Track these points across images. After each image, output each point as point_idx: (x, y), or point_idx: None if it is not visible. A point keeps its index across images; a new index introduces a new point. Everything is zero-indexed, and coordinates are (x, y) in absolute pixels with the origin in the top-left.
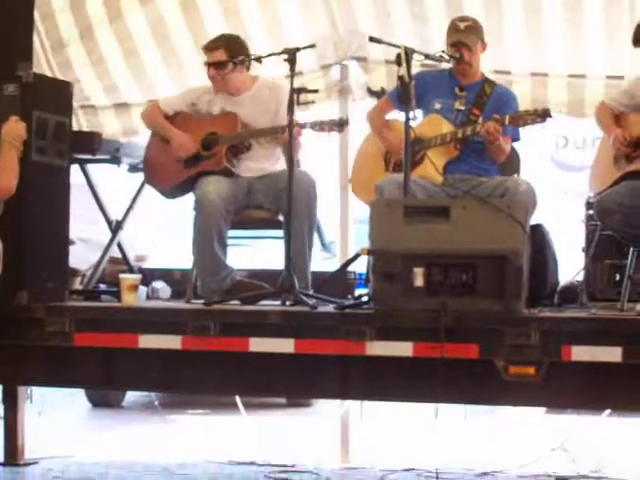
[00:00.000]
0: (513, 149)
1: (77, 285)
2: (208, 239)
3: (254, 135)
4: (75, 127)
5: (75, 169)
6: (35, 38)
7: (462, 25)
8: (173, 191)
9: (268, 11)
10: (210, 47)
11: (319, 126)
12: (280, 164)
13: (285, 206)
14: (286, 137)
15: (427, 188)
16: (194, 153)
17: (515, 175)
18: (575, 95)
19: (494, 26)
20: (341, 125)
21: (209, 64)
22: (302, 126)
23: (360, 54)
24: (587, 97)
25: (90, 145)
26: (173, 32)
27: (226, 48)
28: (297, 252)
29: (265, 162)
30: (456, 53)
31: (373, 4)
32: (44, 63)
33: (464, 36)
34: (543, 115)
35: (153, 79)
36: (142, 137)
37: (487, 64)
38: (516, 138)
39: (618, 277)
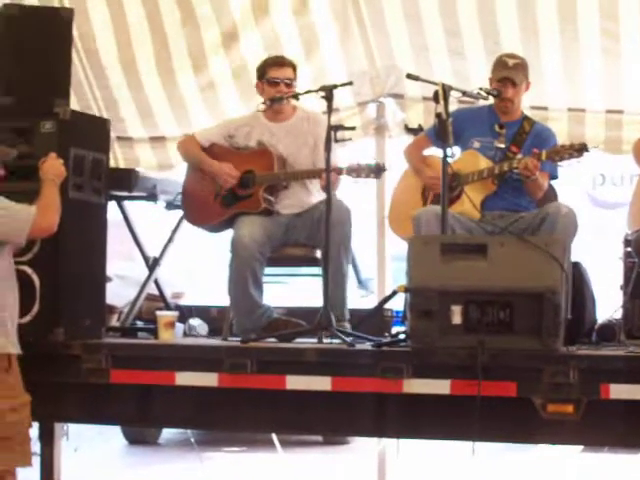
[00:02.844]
0: (550, 186)
1: (114, 322)
2: (243, 282)
3: (291, 177)
4: (111, 159)
5: (112, 206)
6: (79, 69)
7: (511, 62)
8: (212, 228)
9: (308, 44)
10: (283, 62)
11: (356, 172)
12: (316, 197)
13: (322, 237)
14: (324, 177)
15: (464, 223)
16: (231, 191)
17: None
18: (613, 131)
19: (531, 61)
20: (378, 171)
21: (281, 80)
22: (339, 172)
23: (397, 91)
24: (625, 133)
25: (127, 182)
26: (213, 65)
27: (293, 68)
28: (335, 282)
29: (303, 197)
30: (500, 89)
31: (410, 39)
32: (88, 91)
33: (512, 73)
34: (580, 149)
35: (190, 113)
36: (178, 171)
37: (524, 100)
38: (554, 176)
39: None
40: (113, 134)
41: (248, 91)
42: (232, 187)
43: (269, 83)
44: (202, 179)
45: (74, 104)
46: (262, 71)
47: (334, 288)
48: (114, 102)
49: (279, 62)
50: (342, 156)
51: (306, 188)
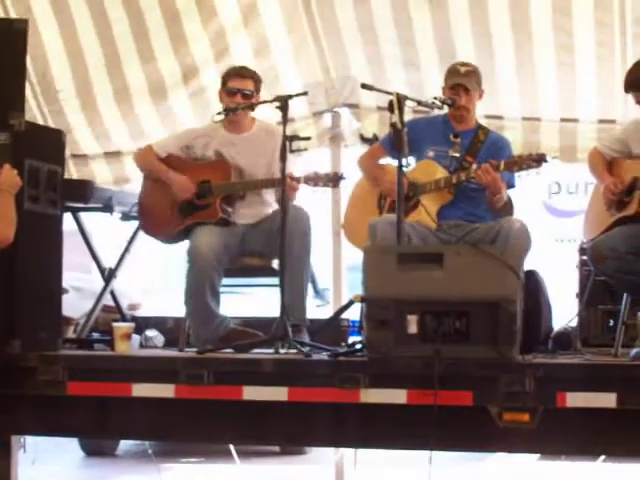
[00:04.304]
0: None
1: (70, 334)
2: (200, 292)
3: (248, 187)
4: (66, 176)
5: (68, 217)
6: (27, 86)
7: (463, 69)
8: (168, 239)
9: (262, 55)
10: (244, 74)
11: (313, 181)
12: (273, 207)
13: (279, 246)
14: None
15: (420, 231)
16: (188, 202)
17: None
18: (567, 140)
19: (486, 70)
20: (336, 180)
21: (238, 90)
22: (297, 180)
23: (352, 101)
24: (580, 142)
25: (82, 193)
26: (166, 77)
27: (254, 80)
28: (295, 281)
29: (259, 208)
30: (453, 97)
31: (364, 50)
32: (36, 110)
33: (465, 79)
34: (538, 160)
35: (144, 126)
36: (135, 184)
37: (478, 109)
38: (511, 185)
39: (612, 323)
40: (67, 151)
41: (201, 103)
42: (189, 197)
43: (227, 92)
44: (159, 190)
45: None
46: (224, 80)
47: (295, 286)
48: (65, 120)
49: (240, 73)
50: (299, 166)
51: (262, 198)
